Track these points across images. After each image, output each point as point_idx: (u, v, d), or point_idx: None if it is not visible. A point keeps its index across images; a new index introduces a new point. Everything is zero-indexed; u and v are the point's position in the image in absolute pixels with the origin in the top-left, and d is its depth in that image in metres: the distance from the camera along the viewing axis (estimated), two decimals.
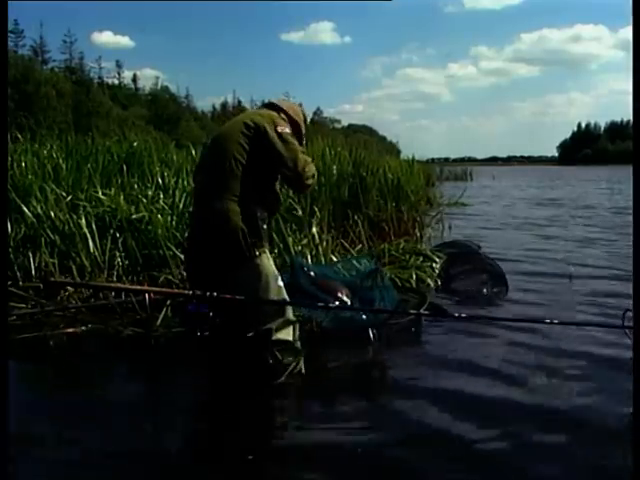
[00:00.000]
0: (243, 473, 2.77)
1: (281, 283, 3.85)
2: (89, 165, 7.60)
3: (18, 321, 4.69)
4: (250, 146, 3.83)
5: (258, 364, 3.80)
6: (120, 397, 3.63)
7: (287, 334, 3.82)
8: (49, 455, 2.87)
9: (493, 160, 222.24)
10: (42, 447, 2.94)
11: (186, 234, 5.00)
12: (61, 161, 7.73)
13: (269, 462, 2.84)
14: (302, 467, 2.81)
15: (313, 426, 3.23)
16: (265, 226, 3.83)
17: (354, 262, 5.05)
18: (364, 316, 4.56)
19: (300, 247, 5.95)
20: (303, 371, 3.79)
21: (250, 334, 3.82)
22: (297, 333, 3.90)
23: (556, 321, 4.41)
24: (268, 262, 3.83)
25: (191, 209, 4.51)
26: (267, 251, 3.85)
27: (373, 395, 3.69)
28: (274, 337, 3.76)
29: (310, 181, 3.99)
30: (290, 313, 3.89)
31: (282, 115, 4.13)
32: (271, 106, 4.28)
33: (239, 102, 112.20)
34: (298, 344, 3.88)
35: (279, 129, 3.90)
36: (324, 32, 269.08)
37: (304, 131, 4.36)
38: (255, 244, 3.73)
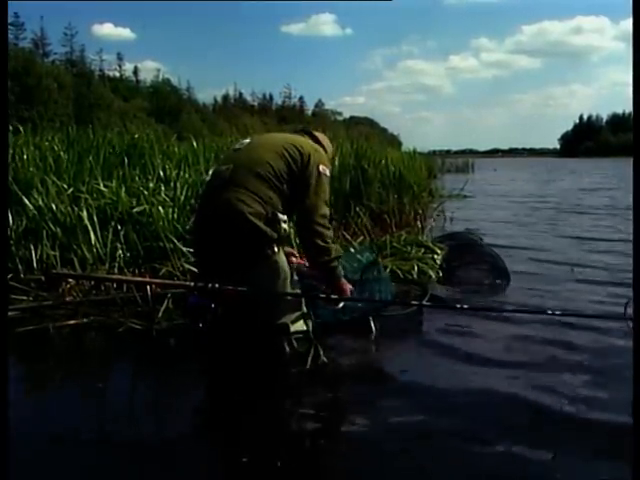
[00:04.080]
0: (233, 476, 2.73)
1: (296, 278, 3.92)
2: (90, 157, 7.58)
3: (19, 314, 4.69)
4: (291, 165, 3.93)
5: (273, 354, 3.86)
6: (119, 390, 3.62)
7: (302, 325, 3.92)
8: (50, 447, 2.86)
9: (494, 152, 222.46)
10: (42, 439, 2.93)
11: (191, 226, 5.01)
12: (62, 153, 7.72)
13: (262, 465, 2.74)
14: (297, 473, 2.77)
15: (314, 424, 3.21)
16: (285, 226, 3.87)
17: (358, 256, 5.03)
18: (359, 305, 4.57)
19: None
20: (326, 360, 3.80)
21: (264, 326, 3.87)
22: (310, 323, 3.95)
23: (558, 312, 4.41)
24: (284, 258, 3.89)
25: (199, 201, 4.50)
26: (282, 247, 3.90)
27: (374, 389, 3.66)
28: (292, 329, 3.82)
29: (315, 237, 3.96)
30: (304, 306, 3.94)
31: (328, 155, 4.30)
32: (309, 135, 4.41)
33: (240, 94, 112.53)
34: (311, 334, 3.95)
35: (321, 168, 4.03)
36: (325, 24, 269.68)
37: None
38: (274, 241, 3.77)
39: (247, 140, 4.24)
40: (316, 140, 4.39)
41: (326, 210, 4.00)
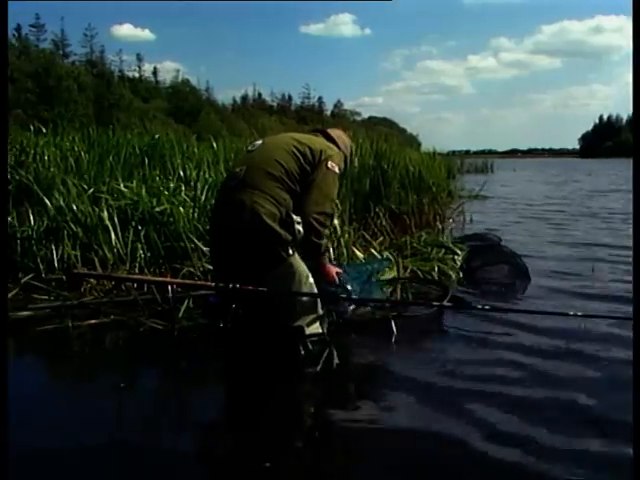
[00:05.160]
0: None
1: (312, 280, 3.93)
2: (111, 158, 7.63)
3: (41, 313, 4.71)
4: (301, 163, 3.95)
5: (288, 355, 3.86)
6: (141, 390, 3.63)
7: (318, 328, 3.92)
8: (71, 447, 2.86)
9: (514, 152, 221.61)
10: (64, 438, 2.93)
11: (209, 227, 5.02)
12: (83, 154, 7.77)
13: (286, 471, 2.72)
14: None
15: (336, 428, 3.18)
16: (299, 227, 3.85)
17: (385, 262, 5.03)
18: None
19: None
20: (337, 361, 3.78)
21: (281, 328, 3.87)
22: (325, 326, 3.97)
23: (579, 313, 4.38)
24: (300, 260, 3.89)
25: (216, 198, 4.49)
26: (297, 250, 3.90)
27: (397, 390, 3.60)
28: (307, 332, 3.81)
29: (312, 230, 3.93)
30: (320, 308, 3.94)
31: (341, 151, 4.29)
32: (323, 134, 4.41)
33: (259, 95, 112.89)
34: (327, 337, 3.95)
35: (329, 164, 4.02)
36: (344, 24, 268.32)
37: (348, 164, 4.55)
38: (289, 244, 3.78)
39: (259, 142, 4.25)
40: (330, 138, 4.40)
41: (327, 207, 3.97)
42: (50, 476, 2.63)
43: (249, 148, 4.28)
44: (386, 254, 5.98)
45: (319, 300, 4.04)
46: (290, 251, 3.81)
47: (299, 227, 3.86)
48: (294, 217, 3.83)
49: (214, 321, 4.36)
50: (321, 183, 3.94)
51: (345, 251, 5.94)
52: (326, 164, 3.98)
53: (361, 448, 2.91)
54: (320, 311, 3.99)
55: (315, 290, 3.95)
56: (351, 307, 4.52)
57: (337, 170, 4.07)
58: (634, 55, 2.89)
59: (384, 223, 7.83)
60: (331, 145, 4.24)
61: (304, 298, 3.93)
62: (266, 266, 3.79)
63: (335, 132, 4.53)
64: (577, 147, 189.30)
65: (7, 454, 2.31)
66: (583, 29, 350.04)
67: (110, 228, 5.73)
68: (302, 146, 4.00)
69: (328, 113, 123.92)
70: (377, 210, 8.24)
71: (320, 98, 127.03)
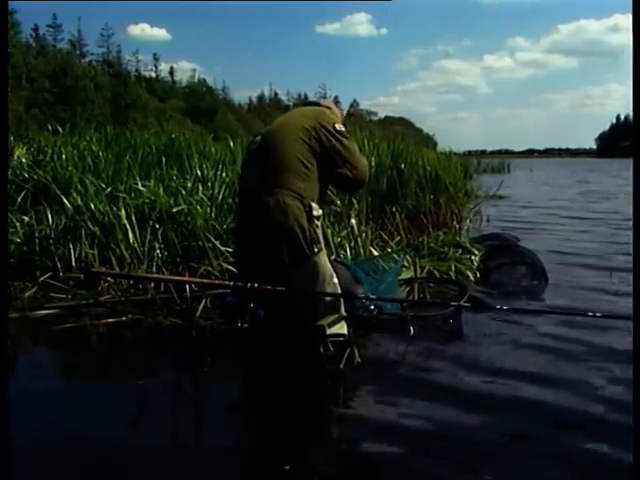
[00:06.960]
0: None
1: (336, 281, 3.90)
2: (128, 157, 7.66)
3: (58, 311, 4.73)
4: (311, 144, 3.85)
5: (309, 355, 3.85)
6: (159, 389, 3.61)
7: (341, 328, 3.89)
8: (82, 443, 2.86)
9: (530, 152, 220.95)
10: (82, 438, 2.93)
11: (233, 229, 5.01)
12: (100, 153, 7.79)
13: (305, 475, 2.69)
14: None
15: (350, 428, 3.15)
16: (319, 223, 3.83)
17: (395, 256, 5.03)
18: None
19: (339, 239, 5.94)
20: (360, 360, 3.76)
21: (302, 328, 3.87)
22: (346, 327, 3.95)
23: (598, 314, 4.33)
24: (325, 260, 3.87)
25: (238, 202, 4.44)
26: (323, 248, 3.87)
27: (416, 391, 3.55)
28: (328, 332, 3.80)
29: (366, 180, 4.21)
30: (342, 309, 3.93)
31: (332, 110, 4.22)
32: (315, 105, 4.38)
33: (275, 94, 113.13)
34: (348, 337, 3.93)
35: (337, 127, 3.97)
36: (360, 24, 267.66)
37: None
38: (315, 242, 3.74)
39: (259, 138, 4.11)
40: (319, 106, 4.33)
41: (365, 160, 4.21)
42: (68, 473, 2.63)
43: (252, 146, 4.17)
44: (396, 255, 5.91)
45: (342, 301, 4.02)
46: (316, 249, 3.76)
47: (318, 222, 3.83)
48: (314, 211, 3.79)
49: (232, 320, 4.35)
50: (346, 147, 3.96)
51: (362, 251, 5.93)
52: (334, 128, 3.94)
53: (382, 451, 2.88)
54: (343, 312, 3.95)
55: (339, 289, 3.93)
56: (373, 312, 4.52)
57: (343, 128, 4.05)
58: (634, 55, 2.87)
59: (401, 223, 7.81)
60: (324, 110, 4.17)
61: (327, 298, 3.90)
62: (292, 263, 3.75)
63: (325, 102, 4.47)
64: (594, 147, 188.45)
65: (8, 453, 2.30)
66: (600, 28, 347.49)
67: (127, 227, 5.75)
68: (302, 126, 3.90)
69: (344, 113, 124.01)
70: (394, 210, 8.22)
71: (336, 97, 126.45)
